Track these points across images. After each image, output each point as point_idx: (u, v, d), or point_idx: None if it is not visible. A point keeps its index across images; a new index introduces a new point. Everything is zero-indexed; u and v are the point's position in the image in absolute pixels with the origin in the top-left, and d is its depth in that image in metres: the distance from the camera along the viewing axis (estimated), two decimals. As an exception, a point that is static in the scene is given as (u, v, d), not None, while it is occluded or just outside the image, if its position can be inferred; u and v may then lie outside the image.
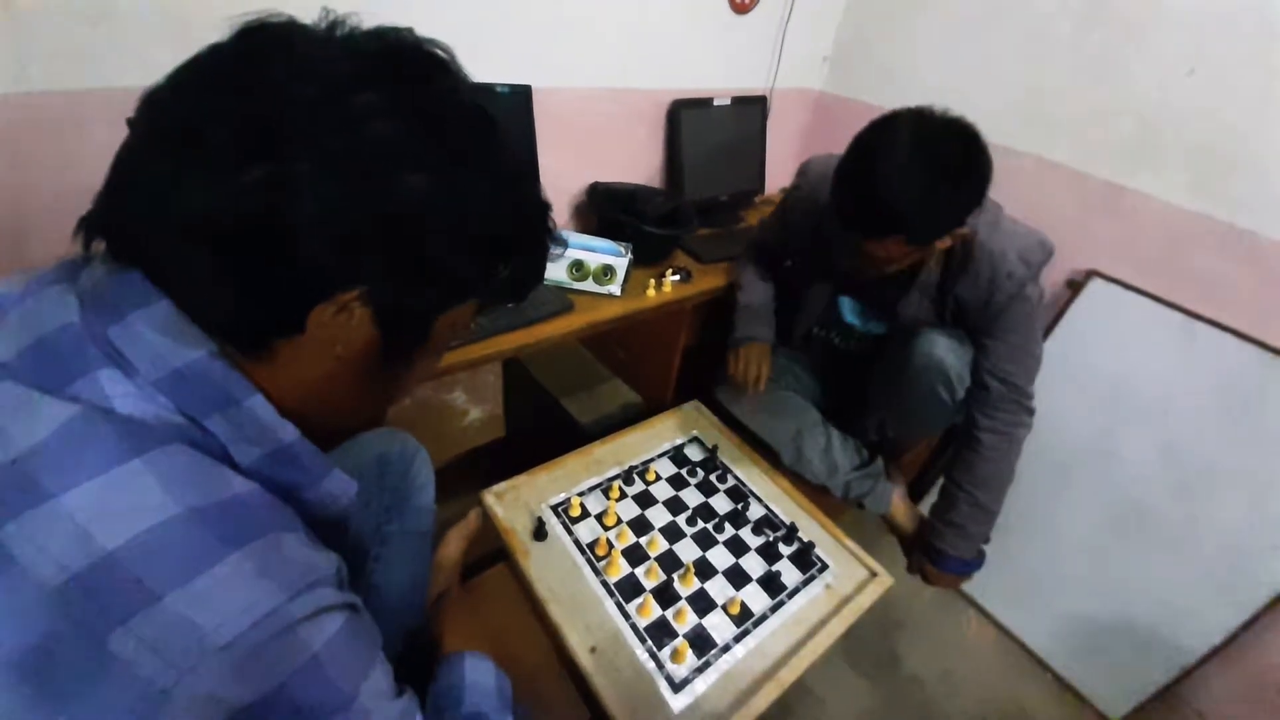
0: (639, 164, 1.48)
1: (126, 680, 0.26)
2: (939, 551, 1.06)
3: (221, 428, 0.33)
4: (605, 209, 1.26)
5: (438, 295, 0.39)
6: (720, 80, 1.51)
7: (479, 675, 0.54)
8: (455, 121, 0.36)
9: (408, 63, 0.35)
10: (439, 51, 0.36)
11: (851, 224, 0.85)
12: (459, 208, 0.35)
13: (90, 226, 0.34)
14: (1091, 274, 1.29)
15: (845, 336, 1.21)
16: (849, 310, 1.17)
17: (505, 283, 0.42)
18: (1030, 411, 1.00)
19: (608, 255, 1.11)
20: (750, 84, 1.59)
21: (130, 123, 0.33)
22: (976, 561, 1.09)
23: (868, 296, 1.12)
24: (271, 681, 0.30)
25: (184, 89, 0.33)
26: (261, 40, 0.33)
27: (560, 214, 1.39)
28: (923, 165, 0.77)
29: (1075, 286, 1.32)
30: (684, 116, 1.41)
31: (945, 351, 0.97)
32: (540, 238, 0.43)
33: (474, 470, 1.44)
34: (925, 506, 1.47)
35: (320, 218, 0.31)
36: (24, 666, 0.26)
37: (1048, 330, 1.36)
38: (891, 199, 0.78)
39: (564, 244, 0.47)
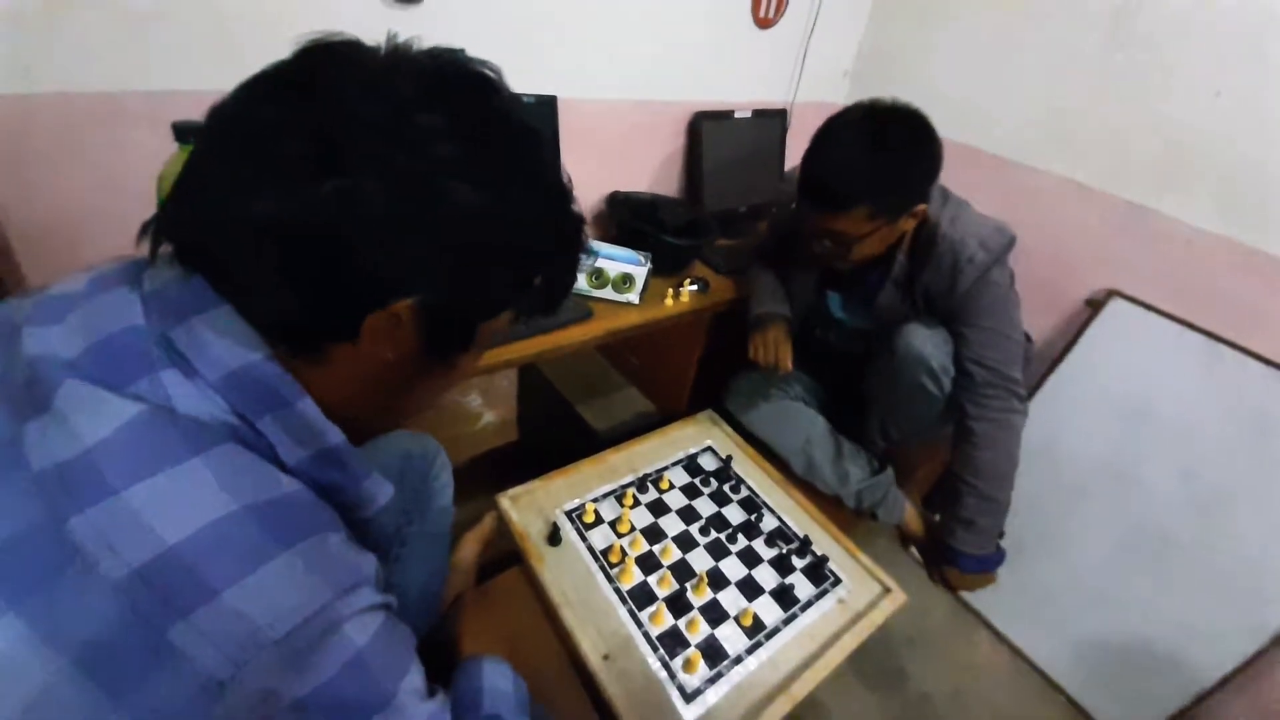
0: (659, 174, 1.50)
1: (186, 673, 0.28)
2: (955, 551, 1.06)
3: (272, 429, 0.35)
4: (625, 218, 1.27)
5: (483, 305, 0.41)
6: (742, 93, 1.53)
7: (497, 679, 0.55)
8: (508, 140, 0.37)
9: (464, 84, 0.37)
10: (490, 72, 0.38)
11: (813, 199, 0.91)
12: (508, 223, 0.37)
13: (158, 231, 0.35)
14: (1112, 293, 1.28)
15: (838, 332, 1.23)
16: (836, 306, 1.20)
17: (540, 293, 0.44)
18: (1020, 397, 1.00)
19: (627, 264, 1.12)
20: (771, 97, 1.60)
21: (193, 130, 0.35)
22: (995, 558, 1.08)
23: (849, 291, 1.16)
24: (320, 677, 0.31)
25: (255, 103, 0.34)
26: (329, 59, 0.35)
27: (580, 222, 1.41)
28: (865, 136, 0.87)
29: (1095, 305, 1.31)
30: (705, 128, 1.43)
31: (924, 342, 0.99)
32: (576, 251, 0.45)
33: (486, 473, 1.45)
34: (938, 523, 1.47)
35: (382, 231, 0.33)
36: (86, 658, 0.27)
37: (1066, 348, 1.35)
38: (839, 167, 0.87)
39: (595, 255, 0.49)
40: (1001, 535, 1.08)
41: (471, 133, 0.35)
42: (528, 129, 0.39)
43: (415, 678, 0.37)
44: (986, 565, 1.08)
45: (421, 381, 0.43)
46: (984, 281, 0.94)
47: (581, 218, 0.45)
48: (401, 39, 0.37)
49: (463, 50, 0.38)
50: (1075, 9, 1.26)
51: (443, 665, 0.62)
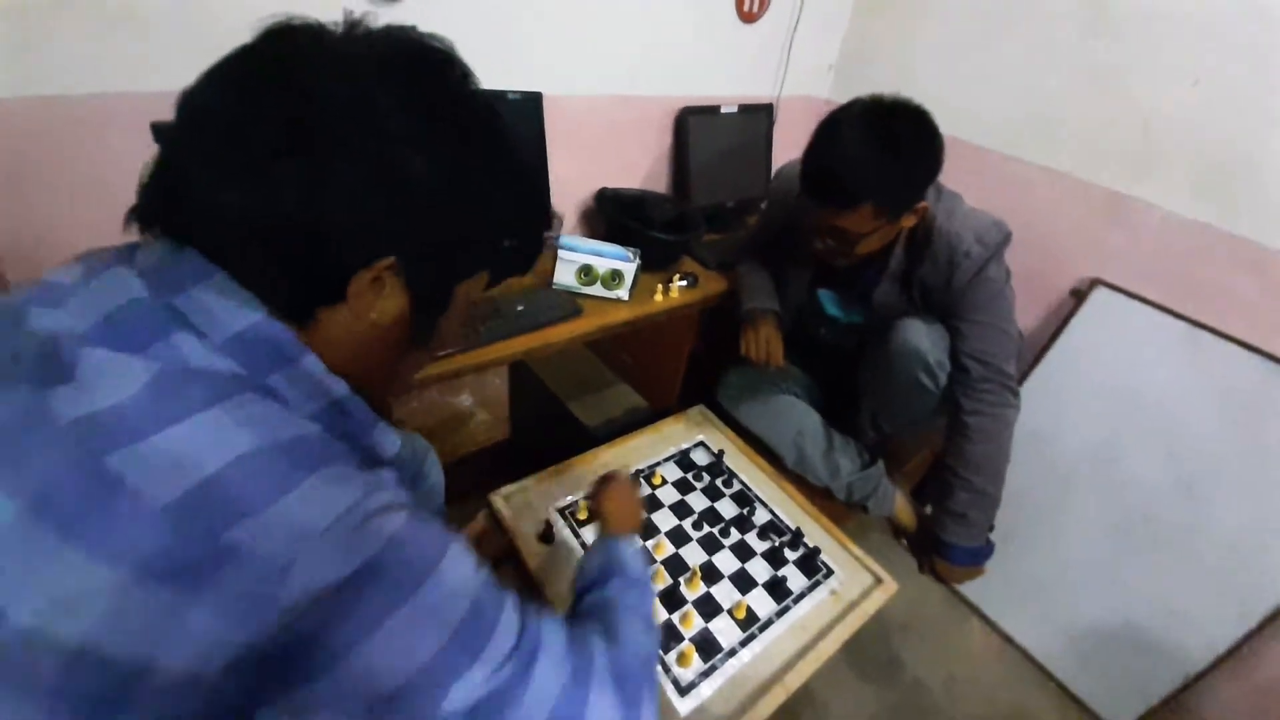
0: (647, 170, 1.50)
1: (249, 562, 0.30)
2: (945, 543, 1.07)
3: (281, 384, 0.36)
4: (613, 214, 1.27)
5: (455, 265, 0.43)
6: (728, 88, 1.53)
7: (628, 557, 0.60)
8: (464, 113, 0.40)
9: (421, 61, 0.39)
10: (442, 47, 0.40)
11: (818, 197, 0.90)
12: (469, 187, 0.40)
13: (141, 218, 0.37)
14: (1095, 282, 1.30)
15: (831, 328, 1.23)
16: (829, 303, 1.19)
17: (511, 254, 0.47)
18: (1014, 392, 1.01)
19: (616, 260, 1.12)
20: (757, 92, 1.60)
21: (167, 125, 0.36)
22: (985, 550, 1.09)
23: (844, 288, 1.15)
24: (365, 554, 0.33)
25: (221, 89, 0.36)
26: (291, 43, 0.36)
27: (569, 219, 1.40)
28: (874, 134, 0.85)
29: (1079, 295, 1.32)
30: (692, 123, 1.43)
31: (921, 337, 0.99)
32: (539, 212, 0.48)
33: (478, 471, 1.44)
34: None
35: (352, 203, 0.35)
36: (153, 570, 0.28)
37: (1052, 338, 1.36)
38: (848, 165, 0.85)
39: (559, 220, 0.51)
40: (992, 528, 1.09)
41: (428, 108, 0.37)
42: (483, 100, 0.41)
43: (459, 547, 0.39)
44: (976, 558, 1.09)
45: (410, 346, 0.45)
46: (980, 277, 0.95)
47: (541, 181, 0.48)
48: (357, 16, 0.38)
49: (414, 27, 0.40)
50: (1054, 1, 1.27)
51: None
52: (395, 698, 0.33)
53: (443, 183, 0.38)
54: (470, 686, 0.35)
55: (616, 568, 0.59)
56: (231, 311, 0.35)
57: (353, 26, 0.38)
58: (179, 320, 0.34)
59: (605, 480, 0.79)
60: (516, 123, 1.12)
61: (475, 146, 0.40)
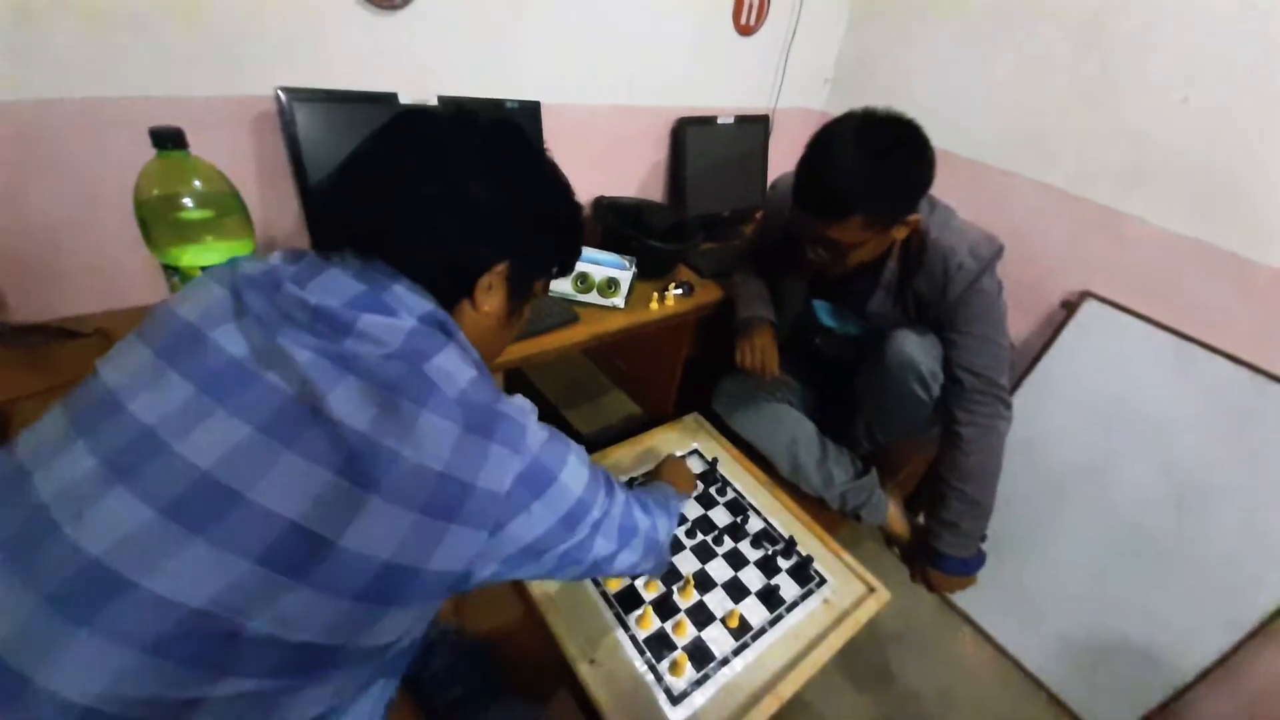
0: (644, 179, 1.51)
1: (511, 422, 0.46)
2: (937, 553, 1.07)
3: (455, 349, 0.50)
4: (610, 222, 1.28)
5: (538, 267, 0.59)
6: (724, 99, 1.54)
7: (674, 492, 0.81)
8: (527, 159, 0.56)
9: (502, 127, 0.55)
10: (513, 121, 0.57)
11: (810, 207, 0.91)
12: (546, 214, 0.57)
13: (327, 244, 0.51)
14: (1085, 295, 1.31)
15: (826, 338, 1.24)
16: (825, 313, 1.20)
17: (561, 258, 0.62)
18: (1007, 404, 1.02)
19: (612, 268, 1.12)
20: (754, 103, 1.62)
21: (330, 178, 0.51)
22: (976, 560, 1.09)
23: (839, 298, 1.16)
24: (523, 464, 0.47)
25: (383, 150, 0.51)
26: (424, 121, 0.52)
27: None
28: (865, 146, 0.87)
29: (1070, 307, 1.34)
30: (689, 134, 1.44)
31: (915, 348, 1.00)
32: (580, 227, 0.62)
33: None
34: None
35: (472, 225, 0.51)
36: (471, 424, 0.44)
37: (1042, 349, 1.38)
38: (840, 176, 0.87)
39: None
40: (984, 538, 1.10)
41: (512, 158, 0.54)
42: (538, 151, 0.58)
43: (574, 458, 0.53)
44: (968, 568, 1.09)
45: (504, 331, 0.60)
46: (974, 289, 0.96)
47: (580, 205, 0.62)
48: (455, 102, 0.50)
49: (504, 101, 0.50)
50: (1047, 19, 1.29)
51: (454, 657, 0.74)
52: (527, 548, 0.48)
53: (526, 207, 0.53)
54: (565, 545, 0.51)
55: (670, 490, 0.83)
56: (417, 301, 0.48)
57: (459, 110, 0.55)
58: (397, 301, 0.47)
59: (667, 459, 0.99)
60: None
61: (542, 182, 0.57)
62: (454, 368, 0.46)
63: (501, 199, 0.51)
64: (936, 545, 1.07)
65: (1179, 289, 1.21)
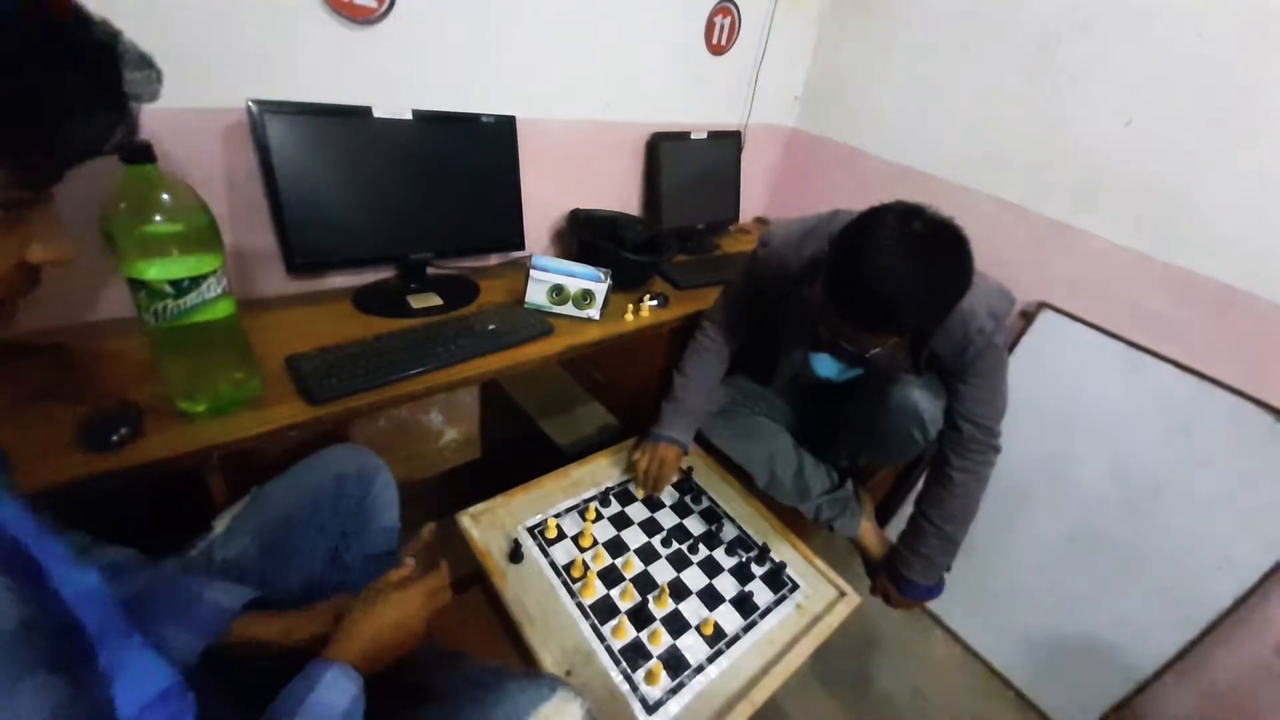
0: (619, 192, 1.53)
1: None
2: (906, 580, 1.10)
3: None
4: (586, 235, 1.29)
5: None
6: (698, 115, 1.58)
7: (333, 695, 0.51)
8: None
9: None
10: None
11: (858, 319, 0.82)
12: None
13: None
14: (1043, 306, 1.37)
15: (823, 388, 1.24)
16: (822, 365, 1.17)
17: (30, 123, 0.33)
18: (997, 450, 1.05)
19: (587, 280, 1.14)
20: (726, 119, 1.66)
21: None
22: (938, 588, 1.13)
23: (844, 355, 1.12)
24: None
25: None
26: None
27: (542, 239, 1.42)
28: (920, 271, 0.77)
29: (1028, 317, 1.39)
30: (663, 148, 1.47)
31: (920, 398, 1.02)
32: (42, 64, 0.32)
33: (449, 491, 1.43)
34: (893, 529, 1.52)
35: None
36: None
37: (1005, 358, 1.43)
38: (894, 302, 0.77)
39: (144, 63, 0.37)
40: (949, 569, 1.13)
41: None
42: None
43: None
44: (930, 594, 1.12)
45: None
46: (990, 347, 0.96)
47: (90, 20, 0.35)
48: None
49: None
50: (1002, 44, 1.36)
51: (395, 688, 0.61)
52: None
53: None
54: None
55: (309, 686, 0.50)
56: None
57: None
58: None
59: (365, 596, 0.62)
60: (490, 143, 1.14)
61: None
62: None
63: None
64: (905, 572, 1.09)
65: (1128, 300, 1.27)
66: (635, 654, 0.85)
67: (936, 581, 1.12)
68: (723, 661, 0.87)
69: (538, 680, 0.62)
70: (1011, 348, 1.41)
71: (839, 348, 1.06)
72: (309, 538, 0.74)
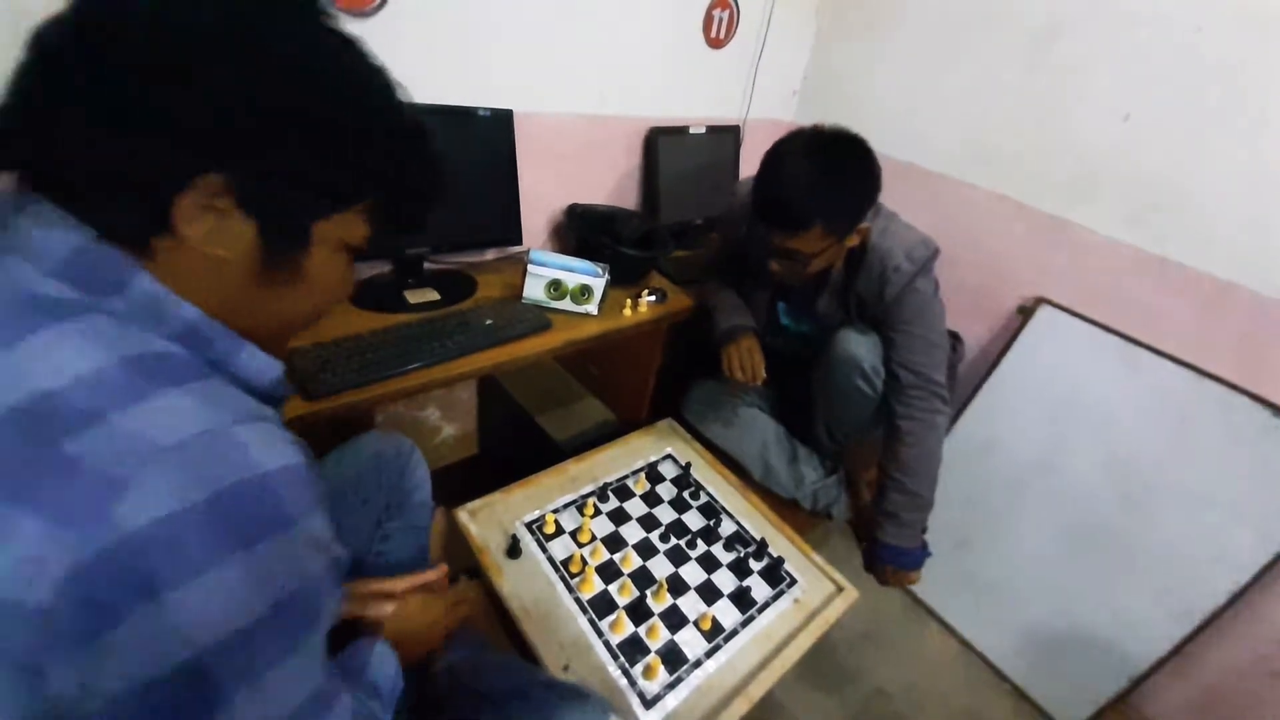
0: (617, 187, 1.52)
1: (86, 472, 0.28)
2: (878, 542, 1.12)
3: (121, 307, 0.34)
4: (583, 230, 1.29)
5: (303, 197, 0.39)
6: (696, 110, 1.57)
7: (387, 666, 0.58)
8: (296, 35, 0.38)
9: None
10: None
11: (772, 221, 0.95)
12: (313, 110, 0.37)
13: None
14: (1040, 301, 1.37)
15: (785, 338, 1.28)
16: (782, 314, 1.25)
17: (390, 206, 0.43)
18: (944, 399, 1.08)
19: (585, 275, 1.13)
20: (724, 114, 1.65)
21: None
22: (916, 553, 1.13)
23: (793, 299, 1.21)
24: (219, 484, 0.30)
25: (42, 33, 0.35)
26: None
27: (539, 233, 1.42)
28: (817, 162, 0.92)
29: (1026, 312, 1.39)
30: (661, 143, 1.46)
31: (857, 345, 1.06)
32: (412, 166, 0.43)
33: (447, 487, 1.43)
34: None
35: (153, 111, 0.33)
36: None
37: (1000, 354, 1.43)
38: (797, 192, 0.92)
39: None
40: (924, 530, 1.13)
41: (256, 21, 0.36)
42: (338, 37, 0.41)
43: (321, 525, 0.35)
44: (909, 559, 1.13)
45: (273, 290, 0.41)
46: (909, 289, 1.01)
47: (420, 124, 0.44)
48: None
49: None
50: (1000, 38, 1.36)
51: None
52: (199, 662, 0.29)
53: (270, 102, 0.35)
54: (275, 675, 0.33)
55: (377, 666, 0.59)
56: (56, 237, 0.33)
57: None
58: (8, 249, 0.33)
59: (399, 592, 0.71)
60: (487, 138, 1.14)
61: (315, 79, 0.37)
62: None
63: (207, 76, 0.33)
64: (878, 535, 1.12)
65: (1125, 294, 1.27)
66: (633, 649, 0.85)
67: (914, 546, 1.12)
68: (720, 656, 0.87)
69: (592, 703, 0.65)
70: (1010, 342, 1.41)
71: (788, 291, 1.17)
72: (356, 511, 0.77)
